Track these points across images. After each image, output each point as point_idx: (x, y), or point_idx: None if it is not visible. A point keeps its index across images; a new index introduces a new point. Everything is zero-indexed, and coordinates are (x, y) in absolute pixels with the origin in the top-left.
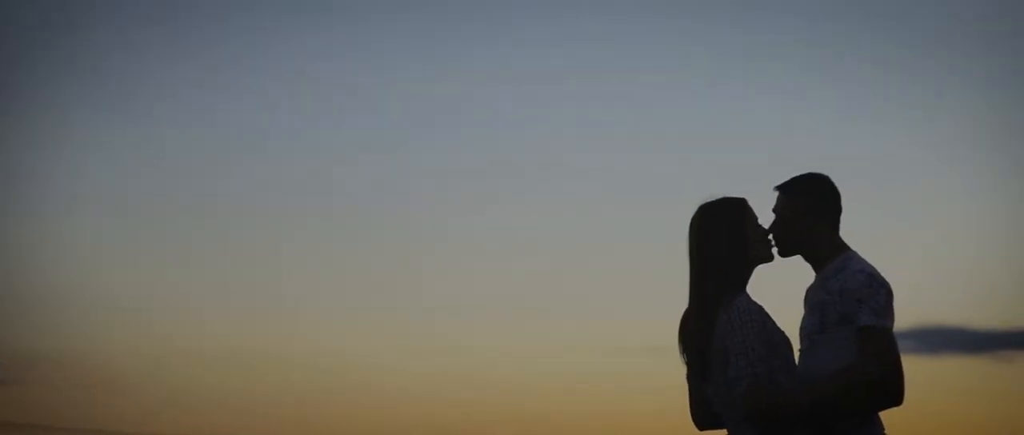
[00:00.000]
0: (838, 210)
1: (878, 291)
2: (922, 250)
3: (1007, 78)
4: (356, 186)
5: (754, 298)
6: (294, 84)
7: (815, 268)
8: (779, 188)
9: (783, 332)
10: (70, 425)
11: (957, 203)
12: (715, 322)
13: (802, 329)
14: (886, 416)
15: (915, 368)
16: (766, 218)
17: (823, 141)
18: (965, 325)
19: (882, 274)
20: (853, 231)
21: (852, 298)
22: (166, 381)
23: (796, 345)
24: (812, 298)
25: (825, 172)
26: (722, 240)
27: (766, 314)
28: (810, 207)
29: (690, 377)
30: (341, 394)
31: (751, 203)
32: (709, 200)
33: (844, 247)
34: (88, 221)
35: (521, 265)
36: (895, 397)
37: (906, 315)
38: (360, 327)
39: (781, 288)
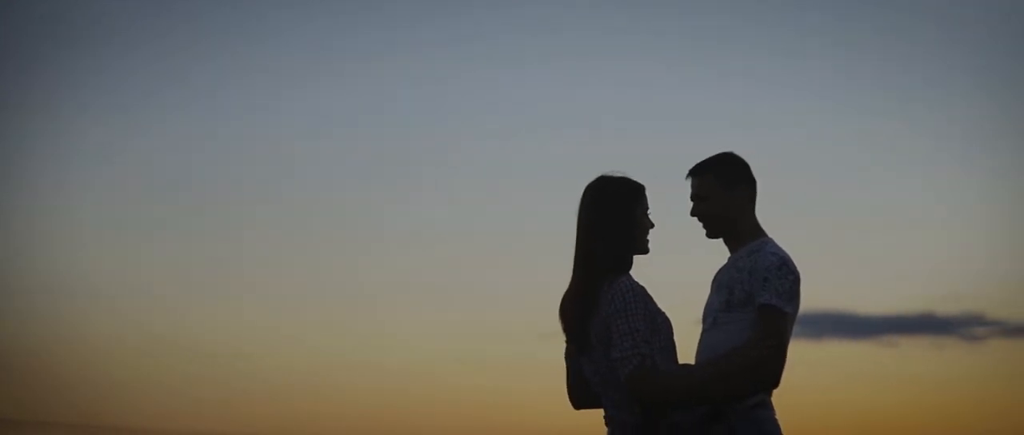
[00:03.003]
0: (751, 179)
1: (786, 276)
2: (808, 236)
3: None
4: (301, 176)
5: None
6: (259, 82)
7: (731, 248)
8: (689, 173)
9: (664, 313)
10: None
11: (845, 191)
12: (597, 301)
13: (707, 308)
14: (773, 399)
15: (800, 352)
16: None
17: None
18: (850, 310)
19: (795, 262)
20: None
21: (759, 277)
22: (107, 371)
23: (680, 326)
24: (721, 278)
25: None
26: (610, 221)
27: (648, 295)
28: (719, 178)
29: (569, 356)
30: (274, 380)
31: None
32: (610, 174)
33: (762, 232)
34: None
35: (447, 254)
36: (770, 381)
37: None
38: (296, 317)
39: (680, 270)
